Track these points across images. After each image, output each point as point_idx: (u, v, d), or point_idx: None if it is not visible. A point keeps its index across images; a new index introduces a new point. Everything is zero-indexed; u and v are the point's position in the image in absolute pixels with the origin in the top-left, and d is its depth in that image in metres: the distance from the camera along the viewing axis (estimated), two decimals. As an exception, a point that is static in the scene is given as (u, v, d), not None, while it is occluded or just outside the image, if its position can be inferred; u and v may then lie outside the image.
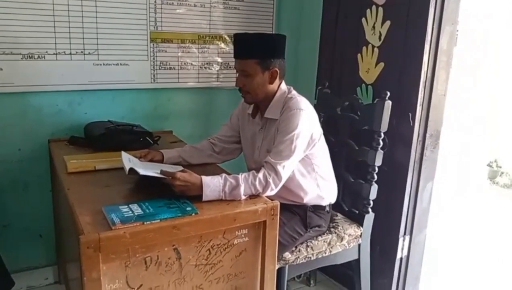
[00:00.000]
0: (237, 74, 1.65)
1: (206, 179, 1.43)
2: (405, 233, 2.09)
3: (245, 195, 1.46)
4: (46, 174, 2.13)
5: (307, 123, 1.61)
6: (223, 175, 1.47)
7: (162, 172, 1.45)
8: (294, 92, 1.69)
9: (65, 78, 2.08)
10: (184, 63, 2.39)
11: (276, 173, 1.51)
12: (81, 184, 1.53)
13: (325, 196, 1.82)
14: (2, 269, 1.70)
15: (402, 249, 2.10)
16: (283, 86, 1.69)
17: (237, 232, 1.40)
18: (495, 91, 2.15)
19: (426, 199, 2.08)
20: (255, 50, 1.60)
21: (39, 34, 1.98)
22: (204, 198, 1.42)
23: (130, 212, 1.27)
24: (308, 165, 1.70)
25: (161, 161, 1.72)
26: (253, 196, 1.48)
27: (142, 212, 1.27)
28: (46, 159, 2.10)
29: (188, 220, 1.28)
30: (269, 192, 1.50)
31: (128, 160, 1.58)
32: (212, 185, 1.42)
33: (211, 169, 1.73)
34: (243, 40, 1.63)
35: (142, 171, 1.44)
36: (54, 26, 2.01)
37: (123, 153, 1.62)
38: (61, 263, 2.21)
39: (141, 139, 2.00)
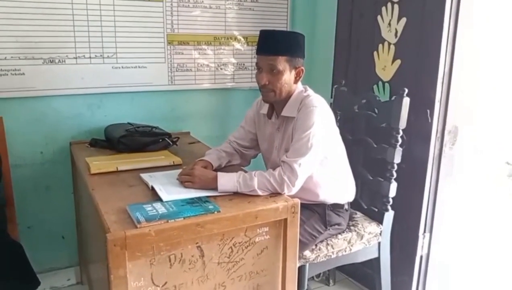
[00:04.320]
0: (259, 72, 1.62)
1: (220, 172, 1.52)
2: (425, 231, 2.08)
3: (260, 189, 1.47)
4: (68, 176, 2.17)
5: (323, 120, 1.60)
6: (239, 171, 1.53)
7: (180, 175, 1.56)
8: (310, 90, 1.69)
9: (85, 81, 2.12)
10: (200, 65, 2.42)
11: (292, 170, 1.50)
12: (105, 185, 1.56)
13: (342, 194, 1.82)
14: (28, 269, 1.73)
15: (423, 246, 2.09)
16: (300, 85, 1.70)
17: (258, 230, 1.41)
18: (498, 90, 2.11)
19: (446, 196, 2.07)
20: (287, 47, 1.58)
21: (59, 39, 2.03)
22: (219, 187, 1.46)
23: (154, 210, 1.29)
24: (324, 164, 1.69)
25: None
26: (274, 195, 1.49)
27: (166, 211, 1.29)
28: (68, 161, 2.14)
29: (211, 218, 1.29)
30: (288, 191, 1.50)
31: (149, 176, 1.60)
32: (227, 175, 1.50)
33: (231, 169, 1.74)
34: (273, 36, 1.61)
35: (157, 186, 1.48)
36: (74, 31, 2.05)
37: (141, 175, 1.62)
38: (83, 263, 2.25)
39: (161, 140, 2.02)
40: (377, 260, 1.95)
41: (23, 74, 1.99)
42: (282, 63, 1.58)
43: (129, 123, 2.11)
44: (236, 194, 1.48)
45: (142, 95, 2.29)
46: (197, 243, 1.30)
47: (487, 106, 2.11)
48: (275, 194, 1.49)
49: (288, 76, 1.61)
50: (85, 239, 2.03)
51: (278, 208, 1.41)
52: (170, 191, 1.45)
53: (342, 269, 2.38)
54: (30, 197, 2.14)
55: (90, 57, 2.11)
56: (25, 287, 1.69)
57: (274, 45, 1.59)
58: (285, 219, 1.43)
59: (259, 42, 1.63)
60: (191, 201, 1.38)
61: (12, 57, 1.95)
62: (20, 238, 2.07)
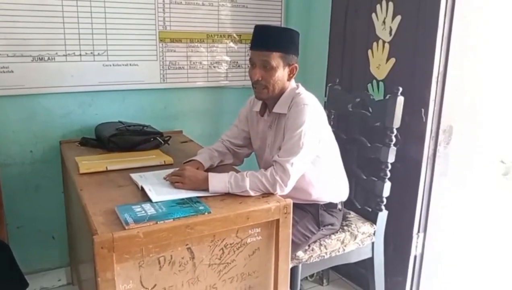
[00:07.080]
0: (253, 67, 1.59)
1: (211, 173, 1.49)
2: (419, 231, 2.06)
3: (252, 190, 1.44)
4: (58, 175, 2.14)
5: (314, 118, 1.58)
6: (230, 171, 1.50)
7: (171, 175, 1.52)
8: (302, 88, 1.67)
9: (75, 79, 2.08)
10: (193, 63, 2.39)
11: (284, 170, 1.48)
12: (94, 185, 1.53)
13: (335, 193, 1.80)
14: (16, 270, 1.70)
15: (416, 246, 2.08)
16: (293, 82, 1.68)
17: (250, 231, 1.38)
18: (493, 88, 2.10)
19: (440, 195, 2.05)
20: (281, 43, 1.56)
21: (48, 36, 1.99)
22: (211, 188, 1.44)
23: (143, 211, 1.26)
24: (316, 163, 1.67)
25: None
26: (266, 195, 1.46)
27: (155, 212, 1.27)
28: (58, 160, 2.11)
29: (201, 219, 1.27)
30: (280, 191, 1.48)
31: (139, 176, 1.57)
32: (218, 176, 1.47)
33: (223, 168, 1.71)
34: (267, 32, 1.59)
35: (147, 187, 1.45)
36: (64, 28, 2.01)
37: (131, 175, 1.59)
38: (74, 264, 2.22)
39: (152, 139, 1.99)
40: (370, 260, 1.94)
41: (12, 71, 1.95)
42: (275, 59, 1.56)
43: (120, 122, 2.08)
44: (227, 194, 1.45)
45: (133, 93, 2.26)
46: (187, 244, 1.28)
47: (482, 105, 2.10)
48: (267, 194, 1.47)
49: (282, 72, 1.59)
50: (75, 239, 2.00)
51: (270, 208, 1.39)
52: (160, 191, 1.42)
53: (336, 269, 2.36)
54: (19, 197, 2.11)
55: (80, 55, 2.07)
56: (14, 289, 1.65)
57: (268, 40, 1.56)
58: (277, 220, 1.41)
59: (253, 37, 1.61)
60: (182, 202, 1.35)
61: (0, 54, 1.91)
62: (9, 238, 2.04)
